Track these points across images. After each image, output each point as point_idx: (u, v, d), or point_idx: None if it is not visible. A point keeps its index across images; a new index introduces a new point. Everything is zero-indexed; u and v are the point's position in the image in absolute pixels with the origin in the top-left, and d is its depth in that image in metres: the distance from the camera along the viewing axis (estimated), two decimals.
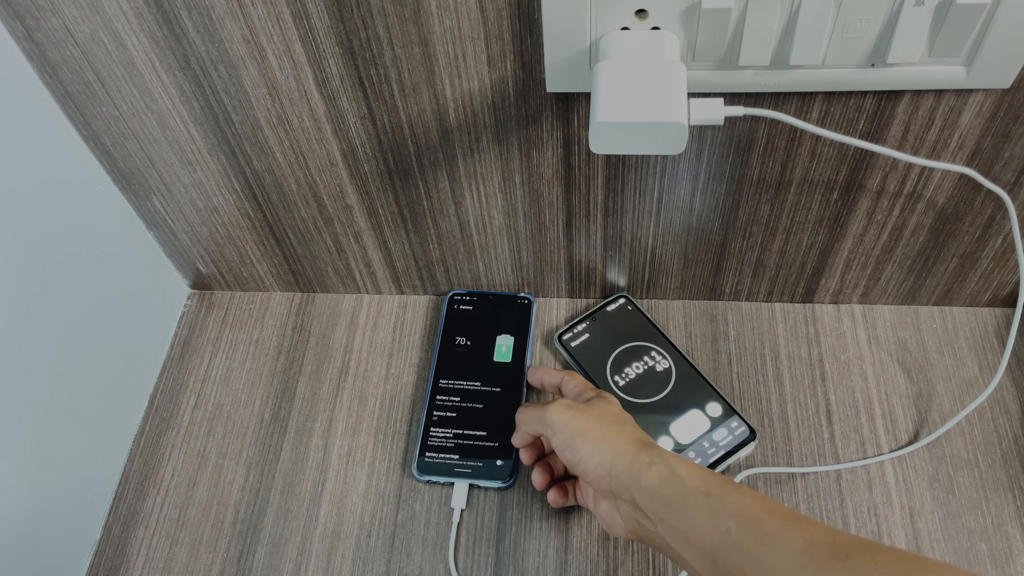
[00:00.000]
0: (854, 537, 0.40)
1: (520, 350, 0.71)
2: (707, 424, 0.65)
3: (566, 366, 0.71)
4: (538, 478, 0.60)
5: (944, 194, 0.60)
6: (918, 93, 0.52)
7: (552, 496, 0.60)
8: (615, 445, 0.51)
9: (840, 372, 0.69)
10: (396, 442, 0.67)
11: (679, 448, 0.64)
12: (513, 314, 0.73)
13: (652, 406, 0.67)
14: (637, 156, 0.59)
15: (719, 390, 0.68)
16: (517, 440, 0.61)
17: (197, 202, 0.66)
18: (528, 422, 0.58)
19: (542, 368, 0.65)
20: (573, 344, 0.70)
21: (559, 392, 0.63)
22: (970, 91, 0.52)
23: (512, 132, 0.57)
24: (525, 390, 0.69)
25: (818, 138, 0.56)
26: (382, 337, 0.74)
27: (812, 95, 0.53)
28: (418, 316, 0.75)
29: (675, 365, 0.69)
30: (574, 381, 0.61)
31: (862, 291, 0.71)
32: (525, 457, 0.61)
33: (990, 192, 0.59)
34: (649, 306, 0.74)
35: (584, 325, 0.72)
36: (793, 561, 0.39)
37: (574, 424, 0.53)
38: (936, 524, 0.61)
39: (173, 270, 0.76)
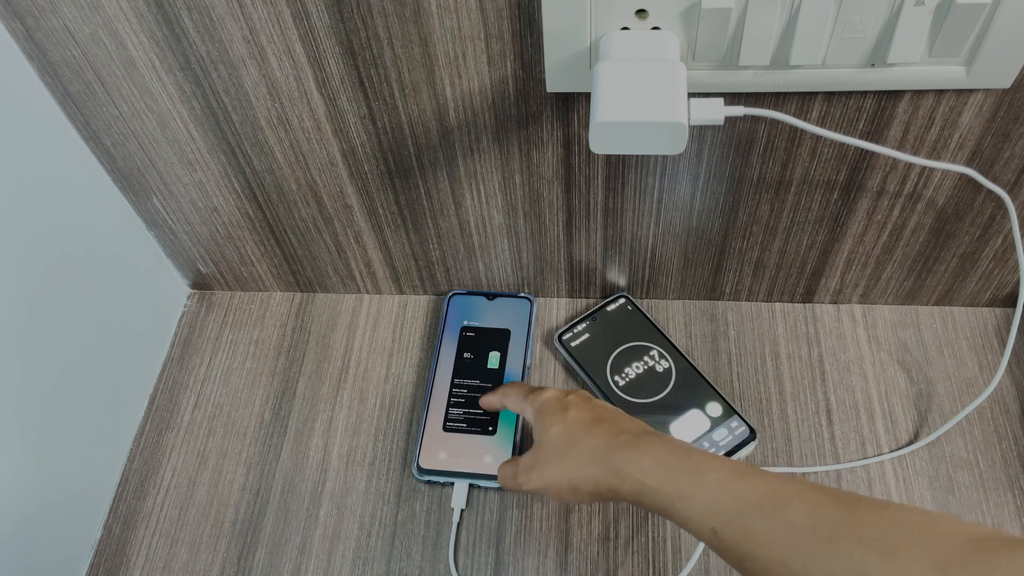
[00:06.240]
0: (833, 508, 0.39)
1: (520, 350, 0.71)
2: (707, 424, 0.65)
3: (566, 366, 0.71)
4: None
5: (944, 194, 0.60)
6: (918, 93, 0.52)
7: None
8: (578, 471, 0.50)
9: (840, 372, 0.69)
10: (396, 442, 0.67)
11: None
12: (513, 314, 0.73)
13: (652, 406, 0.66)
14: (637, 156, 0.59)
15: (719, 390, 0.68)
16: (493, 404, 0.63)
17: (197, 202, 0.66)
18: (515, 403, 0.59)
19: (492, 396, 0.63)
20: (573, 344, 0.70)
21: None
22: (970, 91, 0.52)
23: (512, 132, 0.57)
24: None
25: (818, 138, 0.56)
26: (382, 337, 0.74)
27: (812, 95, 0.53)
28: (418, 316, 0.75)
29: (675, 365, 0.69)
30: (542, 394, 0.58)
31: (862, 291, 0.71)
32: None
33: (990, 192, 0.59)
34: (649, 306, 0.74)
35: (584, 325, 0.72)
36: (781, 553, 0.39)
37: (556, 442, 0.52)
38: None
39: (173, 270, 0.76)
